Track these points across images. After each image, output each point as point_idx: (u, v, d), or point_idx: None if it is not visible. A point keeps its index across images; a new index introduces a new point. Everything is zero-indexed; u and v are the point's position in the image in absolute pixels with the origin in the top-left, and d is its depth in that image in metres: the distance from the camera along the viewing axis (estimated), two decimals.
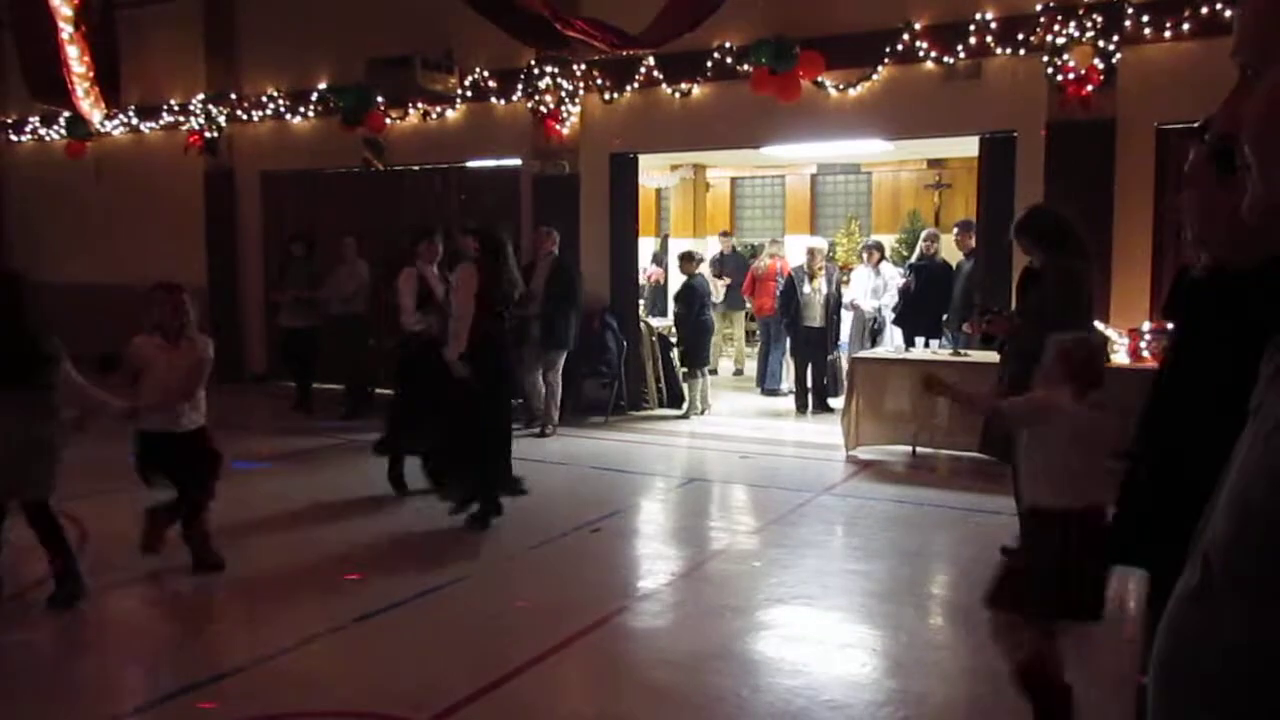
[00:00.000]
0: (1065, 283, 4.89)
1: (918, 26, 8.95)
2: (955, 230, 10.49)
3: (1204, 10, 7.87)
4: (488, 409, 6.55)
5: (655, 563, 6.11)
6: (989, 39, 8.70)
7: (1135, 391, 6.16)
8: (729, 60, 9.67)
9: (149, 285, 5.77)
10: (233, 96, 12.60)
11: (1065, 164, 8.41)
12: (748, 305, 12.49)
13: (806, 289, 10.39)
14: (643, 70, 10.07)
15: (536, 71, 10.55)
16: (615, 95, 10.33)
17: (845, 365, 9.73)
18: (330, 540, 6.35)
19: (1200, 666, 0.88)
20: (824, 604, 5.21)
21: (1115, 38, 8.22)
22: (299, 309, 10.74)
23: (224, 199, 12.95)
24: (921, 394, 7.08)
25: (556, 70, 10.46)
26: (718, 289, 12.53)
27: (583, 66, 10.36)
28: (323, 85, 11.95)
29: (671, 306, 11.26)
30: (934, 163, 14.82)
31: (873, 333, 10.67)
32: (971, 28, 8.73)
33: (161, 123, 13.27)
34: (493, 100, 10.96)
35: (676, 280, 11.49)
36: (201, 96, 12.77)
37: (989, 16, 8.68)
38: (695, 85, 9.95)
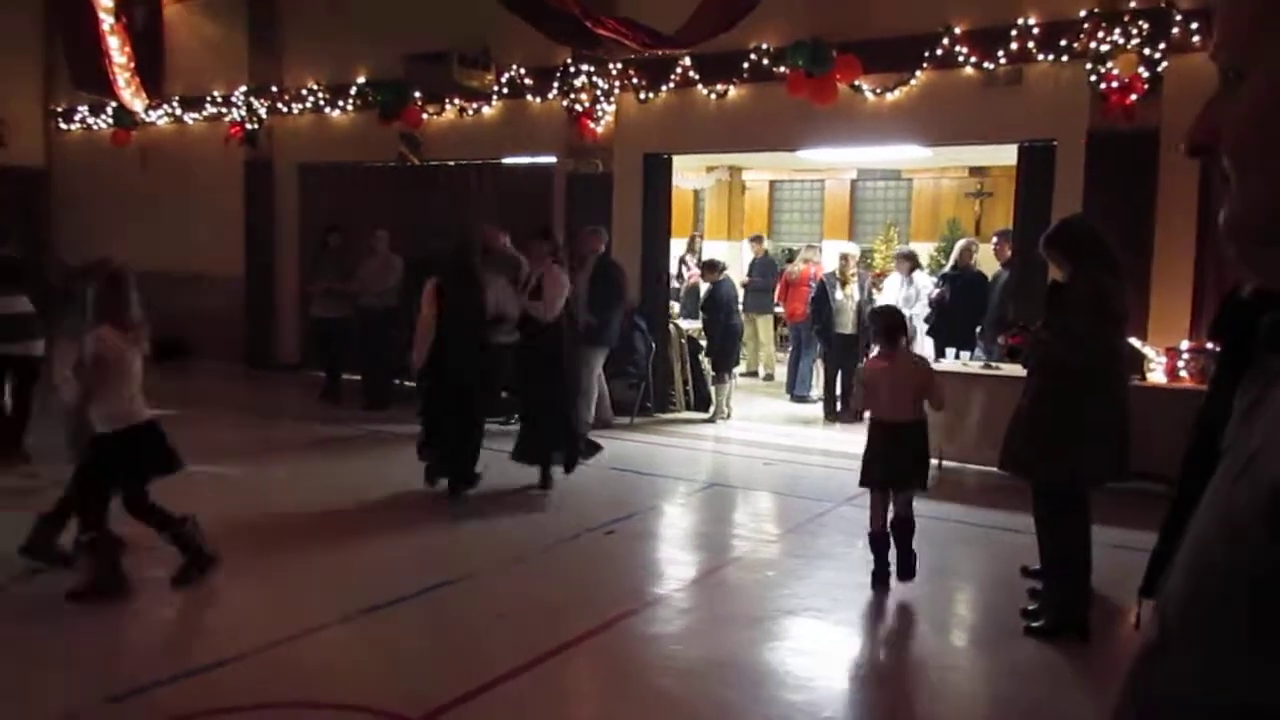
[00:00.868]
0: (1094, 297, 4.74)
1: (957, 31, 8.81)
2: (994, 240, 10.32)
3: None
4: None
5: (668, 567, 6.07)
6: (1030, 44, 8.54)
7: (1171, 412, 6.02)
8: (765, 62, 9.59)
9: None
10: (274, 89, 12.72)
11: (1106, 175, 8.23)
12: (778, 310, 12.39)
13: (839, 295, 10.29)
14: (678, 70, 10.01)
15: (572, 70, 10.54)
16: (650, 95, 10.28)
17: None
18: (341, 531, 6.37)
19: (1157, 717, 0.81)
20: (835, 618, 5.12)
21: (1161, 45, 8.03)
22: (331, 300, 10.81)
23: (263, 190, 13.07)
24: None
25: (592, 69, 10.44)
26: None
27: (618, 65, 10.32)
28: (361, 79, 12.03)
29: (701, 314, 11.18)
30: (976, 170, 14.64)
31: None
32: (1013, 33, 8.58)
33: (204, 113, 13.43)
34: (528, 98, 10.96)
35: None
36: (244, 89, 12.90)
37: (1031, 22, 8.53)
38: (731, 86, 9.88)
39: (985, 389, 7.96)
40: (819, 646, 4.77)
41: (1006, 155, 9.91)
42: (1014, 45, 8.59)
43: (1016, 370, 6.85)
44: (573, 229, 10.51)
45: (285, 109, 12.68)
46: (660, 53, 9.56)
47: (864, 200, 15.95)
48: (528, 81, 10.89)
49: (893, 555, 5.47)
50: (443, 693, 4.07)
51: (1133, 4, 8.12)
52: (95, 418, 5.05)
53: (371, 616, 4.94)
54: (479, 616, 5.02)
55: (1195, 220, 8.02)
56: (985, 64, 8.74)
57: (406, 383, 10.98)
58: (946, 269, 10.46)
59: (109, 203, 14.38)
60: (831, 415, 10.47)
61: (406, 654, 4.60)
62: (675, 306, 11.85)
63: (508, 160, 11.39)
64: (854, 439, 8.90)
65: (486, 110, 11.26)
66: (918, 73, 9.02)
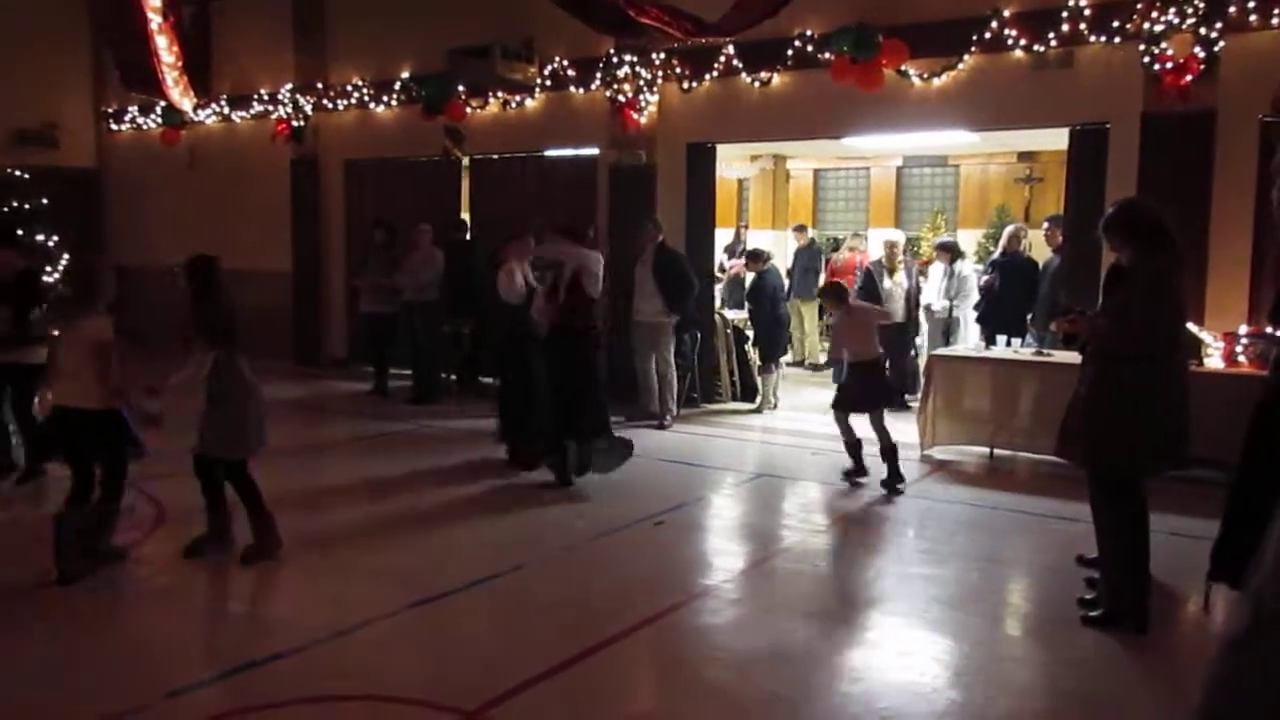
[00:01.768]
0: (1156, 284, 4.64)
1: (1006, 14, 8.68)
2: (1045, 225, 10.18)
3: None
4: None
5: (717, 558, 6.06)
6: (1082, 26, 8.39)
7: (1230, 399, 5.90)
8: (809, 48, 9.51)
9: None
10: (319, 86, 12.85)
11: (1161, 158, 8.07)
12: None
13: (886, 283, 10.22)
14: (722, 59, 9.96)
15: (615, 60, 10.53)
16: (694, 84, 10.25)
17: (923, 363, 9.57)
18: (390, 525, 6.45)
19: (1250, 710, 0.78)
20: (887, 608, 5.10)
21: (1218, 25, 7.85)
22: (378, 295, 10.93)
23: (309, 186, 13.23)
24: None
25: (635, 59, 10.42)
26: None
27: (661, 55, 10.30)
28: (405, 74, 12.11)
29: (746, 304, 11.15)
30: (1024, 156, 14.44)
31: (944, 333, 10.40)
32: (1063, 14, 8.43)
33: (251, 112, 13.61)
34: (571, 89, 10.97)
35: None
36: (290, 86, 13.05)
37: (1082, 3, 8.37)
38: (775, 74, 9.81)
39: (1037, 376, 7.87)
40: (871, 637, 4.72)
41: (1056, 140, 9.75)
42: (1064, 27, 8.45)
43: (1069, 357, 6.76)
44: (617, 221, 10.55)
45: (330, 105, 12.82)
46: (703, 41, 9.52)
47: (910, 187, 15.83)
48: (570, 73, 10.90)
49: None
50: (495, 685, 4.08)
51: None
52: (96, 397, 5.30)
53: (422, 610, 4.97)
54: (529, 609, 5.04)
55: (1253, 203, 7.84)
56: (1035, 46, 8.60)
57: (450, 376, 11.16)
58: (995, 256, 10.34)
59: (159, 202, 14.65)
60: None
61: (457, 647, 4.63)
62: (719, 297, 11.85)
63: (550, 153, 11.41)
64: (902, 427, 8.92)
65: (529, 103, 11.31)
66: (965, 57, 8.90)
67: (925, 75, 9.06)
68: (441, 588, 5.24)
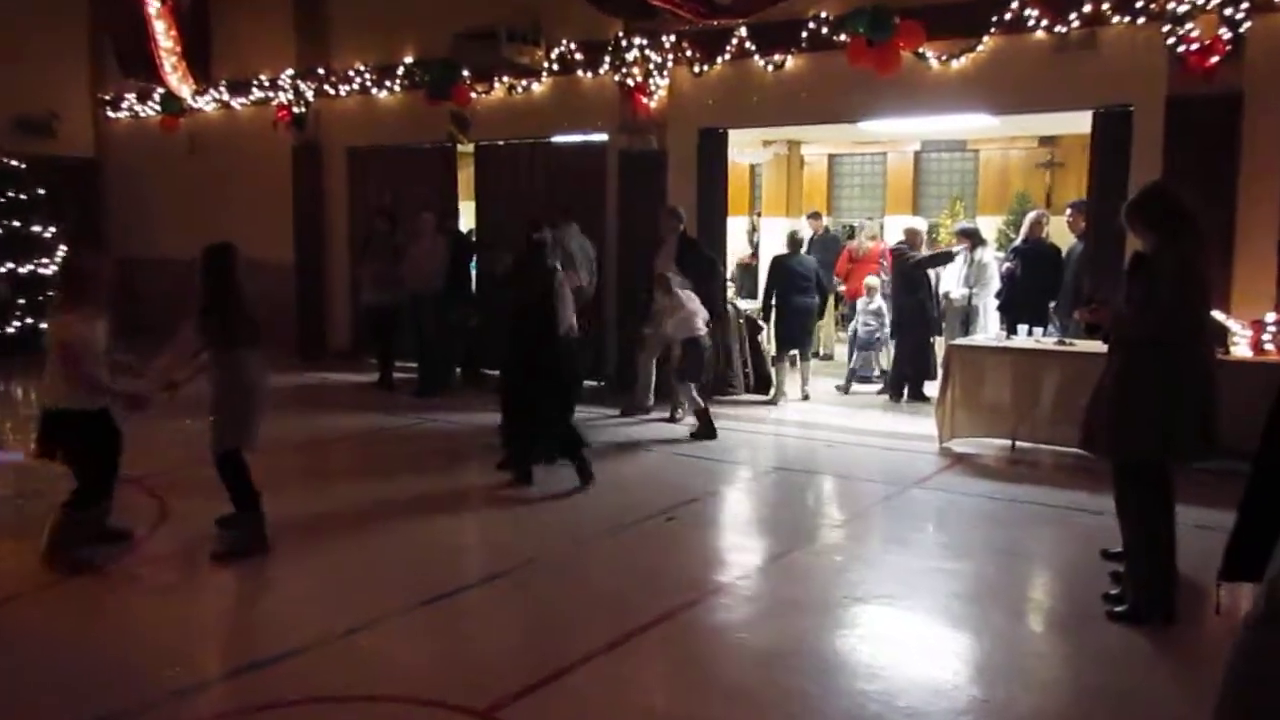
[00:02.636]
0: (1181, 271, 4.62)
1: None
2: (1067, 211, 10.13)
3: None
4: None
5: (732, 554, 6.07)
6: (1105, 6, 8.33)
7: (1257, 387, 5.87)
8: (824, 30, 9.46)
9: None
10: (320, 72, 12.84)
11: (1186, 141, 8.02)
12: (839, 287, 12.30)
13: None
14: (734, 41, 9.92)
15: (624, 43, 10.49)
16: (705, 67, 10.21)
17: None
18: (398, 521, 6.45)
19: (1268, 697, 0.78)
20: (906, 603, 5.09)
21: (1243, 5, 7.79)
22: (381, 285, 10.92)
23: (311, 174, 13.23)
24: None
25: (645, 42, 10.38)
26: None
27: (672, 38, 10.25)
28: (409, 59, 12.10)
29: (762, 285, 11.08)
30: (1045, 140, 14.37)
31: (963, 322, 10.38)
32: None
33: (252, 98, 13.60)
34: (579, 73, 10.94)
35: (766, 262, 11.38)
36: (290, 72, 13.04)
37: None
38: (789, 57, 9.77)
39: (1060, 366, 7.84)
40: (891, 633, 4.72)
41: (1079, 123, 9.70)
42: (1086, 7, 8.40)
43: (1093, 346, 6.76)
44: (626, 208, 10.54)
45: (332, 91, 12.81)
46: (715, 23, 9.49)
47: (928, 173, 15.77)
48: (578, 56, 10.87)
49: None
50: (507, 684, 4.09)
51: None
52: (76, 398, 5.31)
53: (432, 607, 4.99)
54: (540, 606, 5.05)
55: None
56: (1056, 27, 8.55)
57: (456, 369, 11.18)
58: (1016, 243, 10.31)
59: (159, 190, 14.67)
60: (896, 396, 10.40)
61: (468, 645, 4.65)
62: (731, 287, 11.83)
63: (559, 139, 11.40)
64: (920, 422, 8.91)
65: (536, 87, 11.27)
66: (985, 38, 8.85)
67: (943, 57, 9.02)
68: (449, 585, 5.25)
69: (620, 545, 6.06)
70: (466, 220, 12.29)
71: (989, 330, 10.01)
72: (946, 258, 10.46)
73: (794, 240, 10.65)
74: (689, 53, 10.23)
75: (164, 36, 11.82)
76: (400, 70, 12.16)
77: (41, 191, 13.42)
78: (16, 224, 13.07)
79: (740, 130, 11.00)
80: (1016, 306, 9.60)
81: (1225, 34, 7.83)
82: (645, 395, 9.71)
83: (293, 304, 13.33)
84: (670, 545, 6.06)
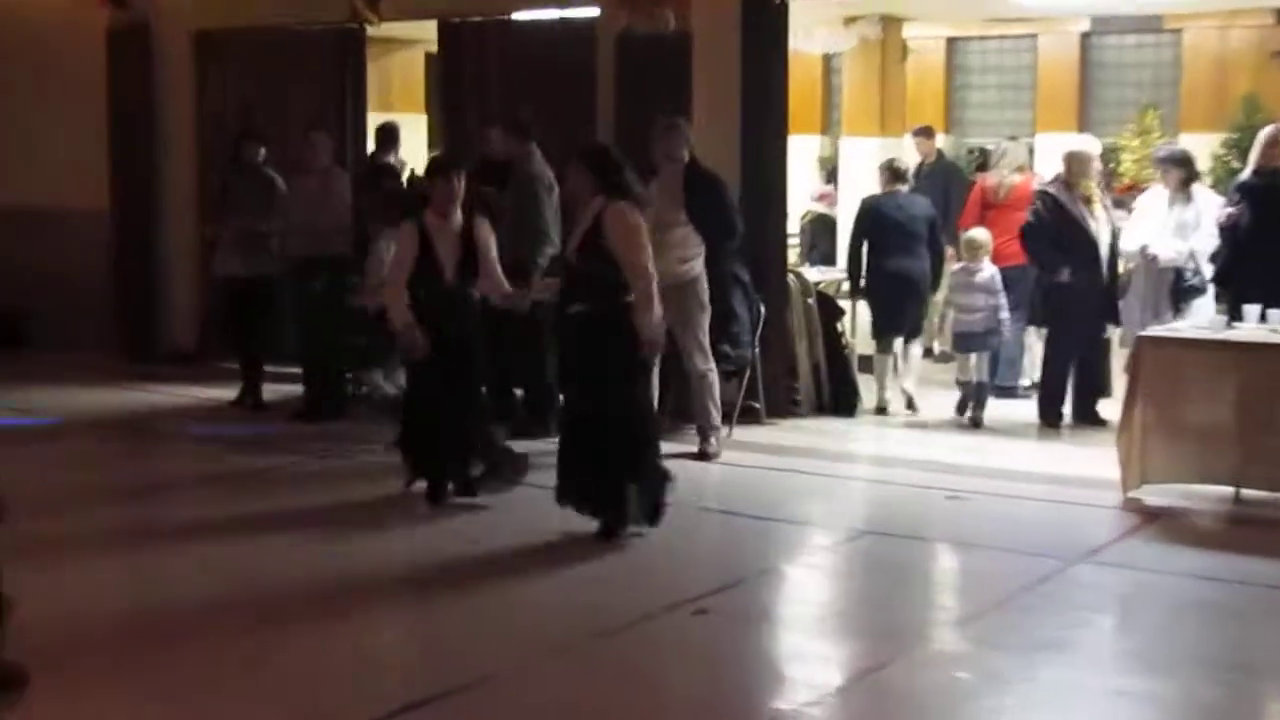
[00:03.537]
0: None
1: None
2: None
3: None
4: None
5: (794, 667, 6.04)
6: None
7: None
8: None
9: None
10: None
11: None
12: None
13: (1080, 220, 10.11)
14: None
15: None
16: None
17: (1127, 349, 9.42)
18: (271, 616, 6.40)
19: None
20: None
21: None
22: (245, 248, 10.89)
23: (137, 75, 13.17)
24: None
25: None
26: None
27: None
28: None
29: (844, 245, 11.03)
30: None
31: (1175, 296, 10.25)
32: None
33: None
34: None
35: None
36: None
37: None
38: None
39: None
40: None
41: None
42: None
43: None
44: (626, 121, 10.52)
45: None
46: None
47: (1101, 67, 15.82)
48: None
49: None
50: None
51: None
52: None
53: None
54: None
55: None
56: None
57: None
58: (1244, 176, 10.23)
59: None
60: (1053, 418, 10.33)
61: None
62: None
63: (521, 16, 11.47)
64: (1091, 458, 8.88)
65: None
66: None
67: None
68: (371, 712, 5.23)
69: (623, 652, 6.05)
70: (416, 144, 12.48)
71: (1200, 312, 9.90)
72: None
73: (894, 171, 10.64)
74: None
75: None
76: None
77: None
78: None
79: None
80: (1244, 275, 9.51)
81: None
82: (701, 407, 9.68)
83: (108, 278, 13.30)
84: (700, 653, 6.07)
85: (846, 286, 11.59)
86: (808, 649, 6.31)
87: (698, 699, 5.49)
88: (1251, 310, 8.78)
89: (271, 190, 10.91)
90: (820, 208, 14.15)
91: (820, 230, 13.68)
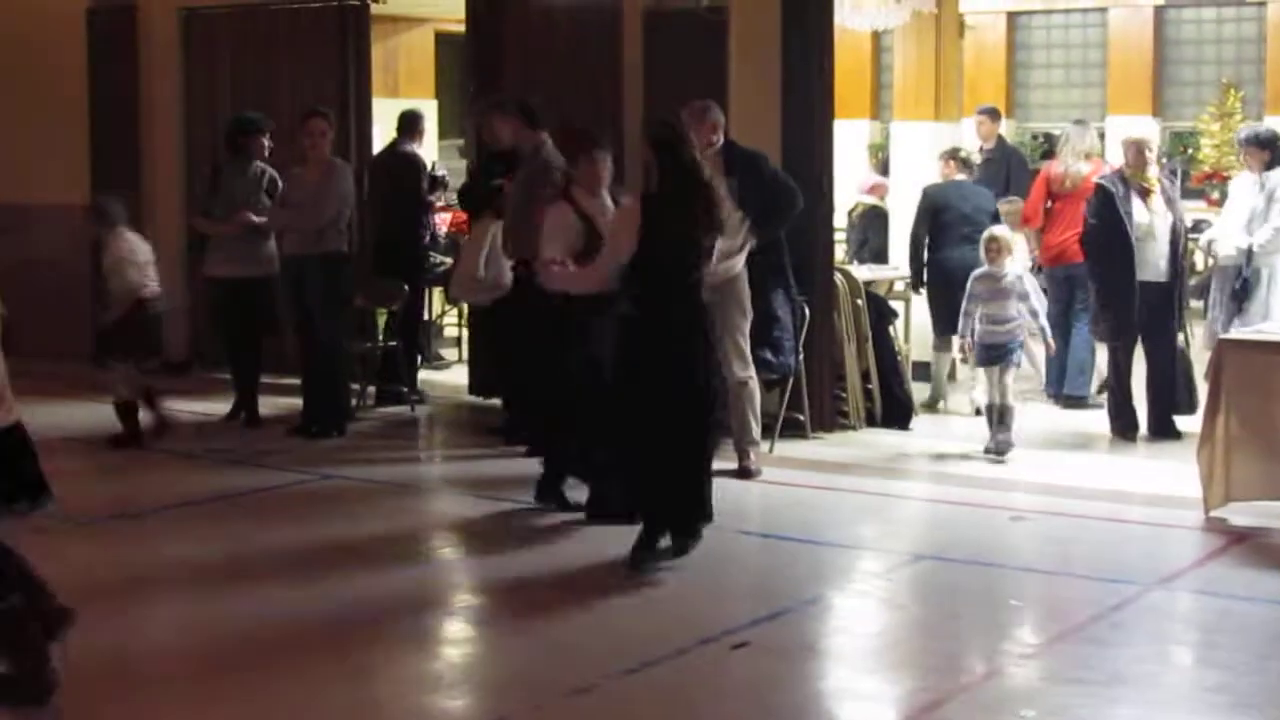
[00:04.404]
0: None
1: None
2: None
3: None
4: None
5: (844, 706, 6.06)
6: None
7: None
8: None
9: None
10: None
11: None
12: (1028, 242, 12.18)
13: (1137, 213, 10.14)
14: None
15: None
16: None
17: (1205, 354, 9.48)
18: (260, 654, 6.48)
19: None
20: None
21: None
22: (240, 247, 10.95)
23: (121, 56, 13.29)
24: None
25: None
26: None
27: None
28: None
29: (898, 241, 11.01)
30: None
31: (1235, 294, 10.30)
32: None
33: None
34: None
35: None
36: None
37: None
38: None
39: None
40: None
41: None
42: None
43: None
44: (655, 103, 10.59)
45: None
46: None
47: (1178, 45, 15.82)
48: None
49: None
50: None
51: None
52: None
53: None
54: None
55: None
56: None
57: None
58: None
59: None
60: (1126, 430, 10.38)
61: None
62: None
63: None
64: (1170, 473, 9.03)
65: None
66: None
67: None
68: None
69: (653, 692, 6.03)
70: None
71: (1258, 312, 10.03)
72: None
73: (957, 158, 10.68)
74: None
75: None
76: None
77: None
78: None
79: None
80: None
81: None
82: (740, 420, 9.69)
83: (89, 279, 13.13)
84: (740, 691, 6.02)
85: (900, 286, 11.60)
86: (858, 686, 6.27)
87: None
88: None
89: (271, 184, 10.98)
90: (870, 199, 14.09)
91: (870, 224, 13.68)
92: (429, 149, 13.13)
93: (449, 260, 12.89)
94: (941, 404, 10.59)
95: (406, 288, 11.44)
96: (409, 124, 12.00)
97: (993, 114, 13.67)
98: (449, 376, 13.29)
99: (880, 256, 13.01)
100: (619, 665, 6.23)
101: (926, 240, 10.79)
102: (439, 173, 12.27)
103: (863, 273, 11.18)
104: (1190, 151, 13.70)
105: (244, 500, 9.23)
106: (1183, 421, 10.18)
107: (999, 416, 9.91)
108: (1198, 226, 12.81)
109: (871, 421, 10.80)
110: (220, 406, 11.54)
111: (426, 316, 13.30)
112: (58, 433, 9.93)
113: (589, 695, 5.97)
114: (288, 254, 10.82)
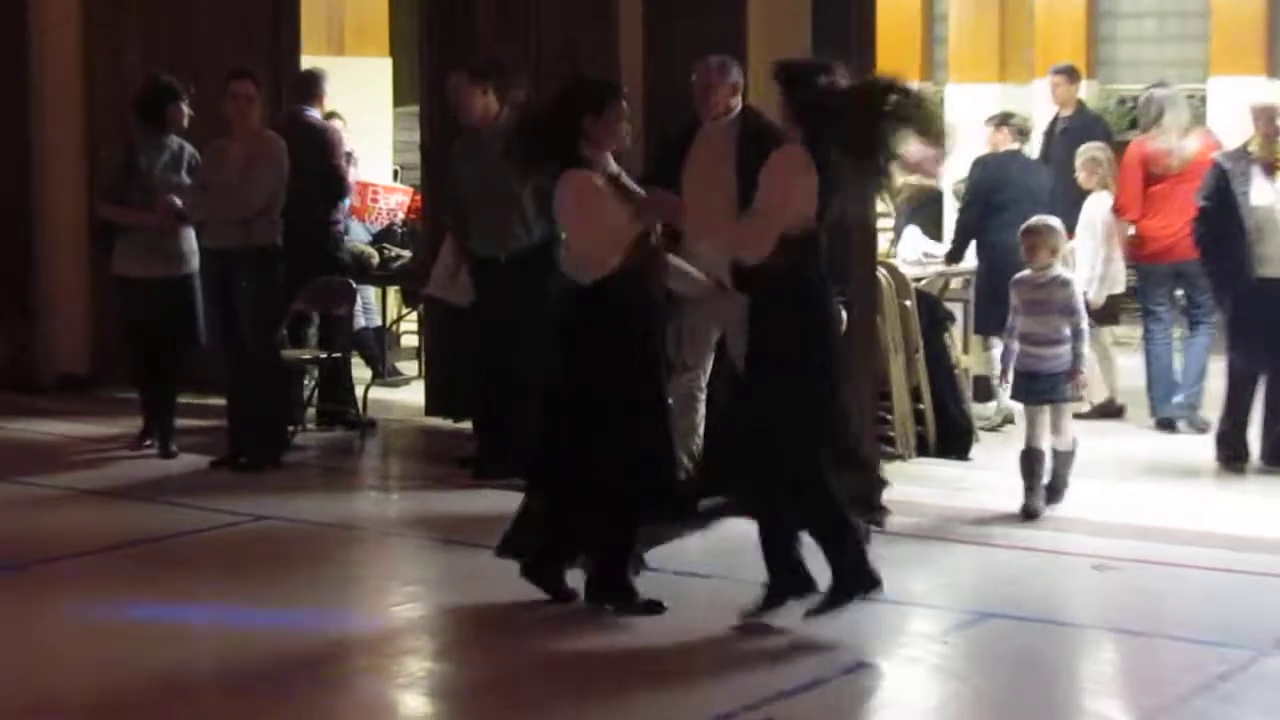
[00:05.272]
0: None
1: None
2: None
3: None
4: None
5: None
6: None
7: None
8: None
9: None
10: None
11: None
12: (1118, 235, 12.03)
13: (1256, 196, 9.99)
14: None
15: None
16: None
17: None
18: None
19: None
20: None
21: None
22: (156, 242, 10.90)
23: (7, 14, 13.38)
24: None
25: None
26: None
27: None
28: None
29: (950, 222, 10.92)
30: None
31: None
32: None
33: None
34: None
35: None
36: None
37: None
38: None
39: None
40: None
41: None
42: None
43: None
44: (660, 64, 10.55)
45: None
46: None
47: None
48: None
49: None
50: None
51: None
52: None
53: None
54: None
55: None
56: None
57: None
58: None
59: None
60: (1234, 458, 10.31)
61: None
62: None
63: None
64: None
65: None
66: None
67: None
68: None
69: None
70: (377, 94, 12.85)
71: None
72: None
73: (1010, 124, 10.63)
74: None
75: None
76: None
77: None
78: None
79: None
80: None
81: None
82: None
83: None
84: None
85: (956, 283, 11.40)
86: None
87: None
88: None
89: (192, 161, 11.06)
90: (919, 178, 13.80)
91: (920, 209, 13.53)
92: (384, 116, 12.95)
93: (406, 254, 13.06)
94: (1009, 427, 10.31)
95: (355, 289, 11.60)
96: (307, 85, 12.05)
97: (1070, 74, 13.81)
98: (407, 395, 13.38)
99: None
100: None
101: (980, 222, 10.80)
102: (348, 148, 12.24)
103: (911, 268, 10.91)
104: None
105: (157, 548, 9.13)
106: None
107: (1030, 467, 9.29)
108: None
109: (923, 450, 10.72)
110: (127, 430, 11.56)
111: (380, 322, 13.70)
112: None
113: None
114: (210, 247, 10.79)
